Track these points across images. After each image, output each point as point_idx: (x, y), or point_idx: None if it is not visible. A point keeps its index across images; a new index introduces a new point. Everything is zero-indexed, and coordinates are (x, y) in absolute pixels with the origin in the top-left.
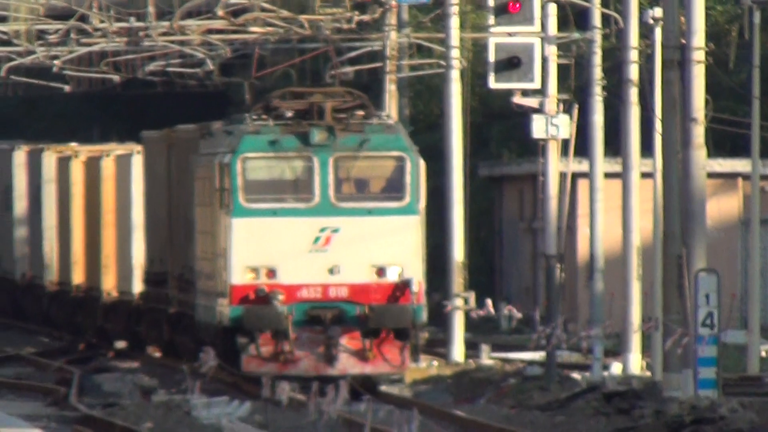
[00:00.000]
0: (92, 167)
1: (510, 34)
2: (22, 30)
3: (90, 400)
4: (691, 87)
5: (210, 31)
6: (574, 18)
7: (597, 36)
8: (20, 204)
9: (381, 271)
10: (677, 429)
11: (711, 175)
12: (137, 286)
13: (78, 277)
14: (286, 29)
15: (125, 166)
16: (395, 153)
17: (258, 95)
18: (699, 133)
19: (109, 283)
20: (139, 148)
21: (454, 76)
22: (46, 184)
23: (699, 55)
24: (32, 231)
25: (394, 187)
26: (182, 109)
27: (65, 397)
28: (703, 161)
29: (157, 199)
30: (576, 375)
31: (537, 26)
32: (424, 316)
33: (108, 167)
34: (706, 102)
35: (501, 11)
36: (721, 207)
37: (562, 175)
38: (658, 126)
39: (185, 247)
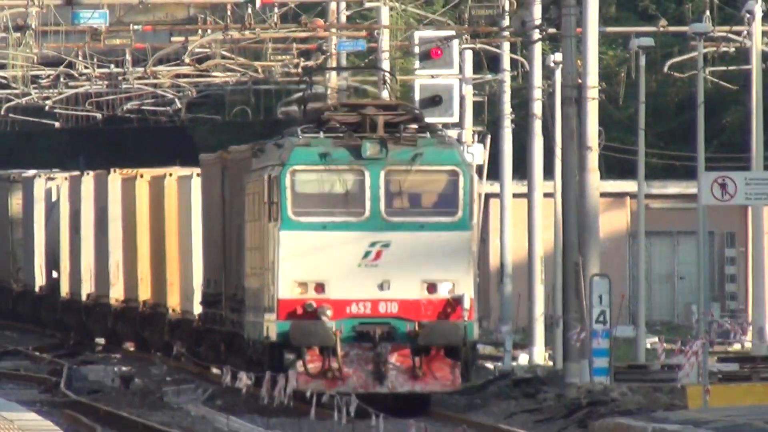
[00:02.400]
0: (156, 188)
1: (433, 76)
2: (18, 75)
3: (78, 387)
4: (587, 120)
5: (178, 76)
6: (487, 62)
7: (507, 77)
8: (87, 226)
9: (432, 287)
10: (575, 410)
11: (603, 195)
12: (197, 307)
13: (144, 293)
14: (243, 73)
15: (186, 188)
16: (448, 167)
17: (215, 130)
18: (593, 159)
19: (173, 301)
20: (199, 170)
21: None
22: (111, 205)
23: (593, 93)
24: (98, 251)
25: (446, 202)
26: (154, 141)
27: (56, 386)
28: (596, 183)
29: (213, 221)
30: (489, 365)
31: (456, 69)
32: (475, 333)
33: (171, 188)
34: (600, 133)
35: (425, 57)
36: (611, 221)
37: (478, 196)
38: (558, 153)
39: (237, 267)
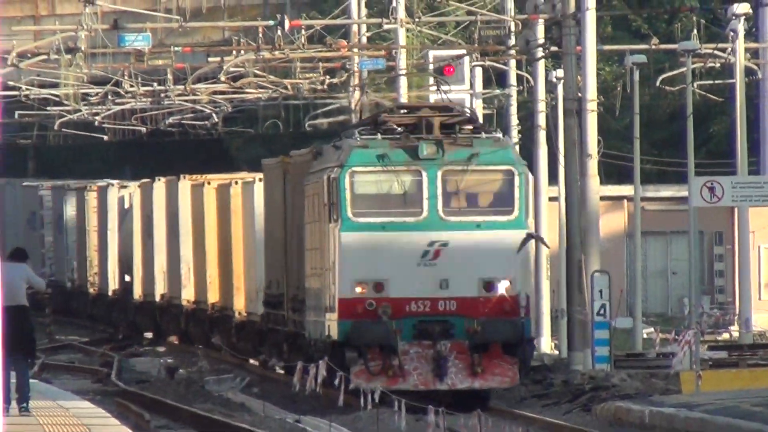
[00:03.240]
0: (223, 194)
1: (446, 92)
2: (70, 93)
3: (127, 377)
4: (587, 130)
5: (215, 92)
6: (495, 78)
7: (513, 92)
8: (159, 230)
9: (489, 285)
10: (579, 395)
11: (603, 198)
12: (260, 308)
13: (213, 296)
14: (274, 90)
15: (249, 193)
16: (504, 167)
17: (248, 142)
18: (593, 165)
19: (239, 304)
20: (261, 176)
21: None
22: (182, 211)
23: (592, 106)
24: (170, 254)
25: (502, 201)
26: (193, 152)
27: (108, 376)
28: (596, 187)
29: (275, 224)
30: None
31: (467, 85)
32: (532, 329)
33: (236, 194)
34: (599, 141)
35: (439, 73)
36: (610, 223)
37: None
38: (561, 160)
39: (298, 268)
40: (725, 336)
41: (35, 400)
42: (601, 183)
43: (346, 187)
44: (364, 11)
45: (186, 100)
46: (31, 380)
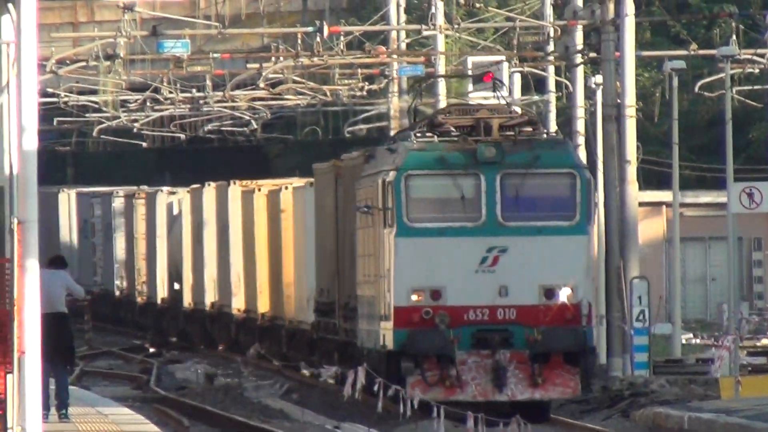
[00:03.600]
0: (273, 199)
1: (485, 98)
2: (109, 100)
3: (166, 384)
4: (625, 136)
5: (254, 99)
6: (534, 84)
7: (552, 98)
8: (209, 237)
9: (550, 293)
10: (618, 401)
11: (641, 204)
12: (311, 316)
13: (263, 305)
14: (313, 96)
15: (300, 199)
16: (565, 170)
17: (287, 148)
18: (632, 171)
19: (289, 312)
20: (312, 180)
21: None
22: (232, 217)
23: (631, 112)
24: (220, 261)
25: (564, 206)
26: (232, 159)
27: (147, 383)
28: (635, 194)
29: (326, 230)
30: None
31: (506, 91)
32: (594, 338)
33: (286, 200)
34: (637, 147)
35: (478, 80)
36: (649, 229)
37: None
38: (600, 167)
39: (350, 275)
40: (764, 342)
41: (74, 406)
42: (640, 189)
43: (401, 191)
44: (403, 17)
45: (225, 107)
46: (70, 387)
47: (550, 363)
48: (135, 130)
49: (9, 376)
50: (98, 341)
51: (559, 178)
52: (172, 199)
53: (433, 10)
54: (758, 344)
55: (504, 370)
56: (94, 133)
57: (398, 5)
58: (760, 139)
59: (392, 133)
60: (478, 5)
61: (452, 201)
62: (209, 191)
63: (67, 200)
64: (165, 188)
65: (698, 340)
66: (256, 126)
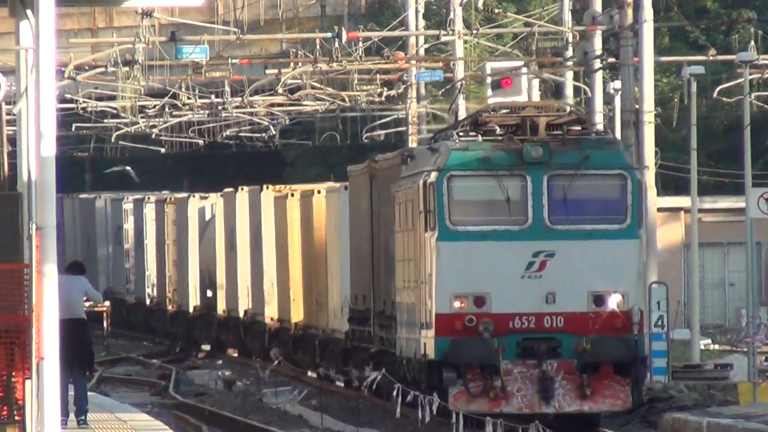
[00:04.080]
0: (306, 204)
1: (504, 103)
2: (127, 106)
3: (185, 390)
4: (644, 141)
5: (272, 105)
6: (553, 90)
7: (570, 103)
8: (242, 243)
9: (600, 300)
10: (638, 407)
11: (660, 210)
12: (345, 325)
13: (296, 314)
14: (331, 102)
15: (334, 203)
16: (616, 171)
17: (306, 154)
18: (650, 176)
19: (323, 321)
20: (347, 184)
21: None
22: (265, 223)
23: (649, 117)
24: (254, 268)
25: (614, 208)
26: (251, 164)
27: (165, 389)
28: (653, 199)
29: (361, 234)
30: None
31: (524, 96)
32: (646, 347)
33: (319, 203)
34: (656, 153)
35: (497, 86)
36: (668, 234)
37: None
38: None
39: (387, 281)
40: None
41: (93, 412)
42: (658, 194)
43: (444, 193)
44: (422, 23)
45: (243, 113)
46: (89, 393)
47: (600, 373)
48: (153, 136)
49: (28, 382)
50: (121, 347)
51: (609, 180)
52: (204, 204)
53: (451, 15)
54: None
55: (551, 380)
56: (113, 139)
57: (417, 11)
58: None
59: (410, 138)
60: (497, 11)
61: (497, 203)
62: (242, 196)
63: (104, 206)
64: (197, 194)
65: (717, 346)
66: (274, 132)
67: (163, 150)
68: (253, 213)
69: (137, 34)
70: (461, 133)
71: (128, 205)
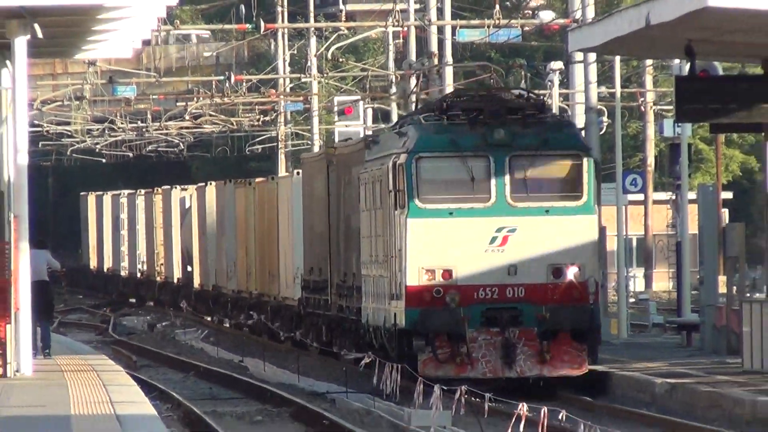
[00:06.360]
0: (261, 192)
1: (347, 126)
2: (78, 129)
3: (119, 331)
4: None
5: (181, 128)
6: (381, 116)
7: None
8: (210, 228)
9: (558, 272)
10: None
11: None
12: (298, 293)
13: (252, 285)
14: (224, 125)
15: (286, 188)
16: (573, 152)
17: (205, 163)
18: None
19: (274, 290)
20: (298, 171)
21: (316, 149)
22: (227, 211)
23: None
24: (218, 249)
25: (571, 186)
26: (166, 171)
27: (105, 330)
28: None
29: (316, 214)
30: None
31: (361, 121)
32: (600, 316)
33: (272, 191)
34: None
35: (342, 113)
36: None
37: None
38: None
39: (347, 256)
40: None
41: (54, 348)
42: None
43: (413, 173)
44: (288, 69)
45: (160, 133)
46: (51, 333)
47: (558, 340)
48: (97, 150)
49: (8, 326)
50: (78, 301)
51: (567, 160)
52: (184, 194)
53: (309, 63)
54: None
55: (513, 347)
56: (68, 153)
57: (284, 60)
58: None
59: (280, 151)
60: (341, 60)
61: (462, 182)
62: (210, 189)
63: (109, 202)
64: (178, 186)
65: None
66: (183, 147)
67: (104, 160)
68: (219, 203)
69: (85, 77)
70: (428, 118)
71: (123, 199)
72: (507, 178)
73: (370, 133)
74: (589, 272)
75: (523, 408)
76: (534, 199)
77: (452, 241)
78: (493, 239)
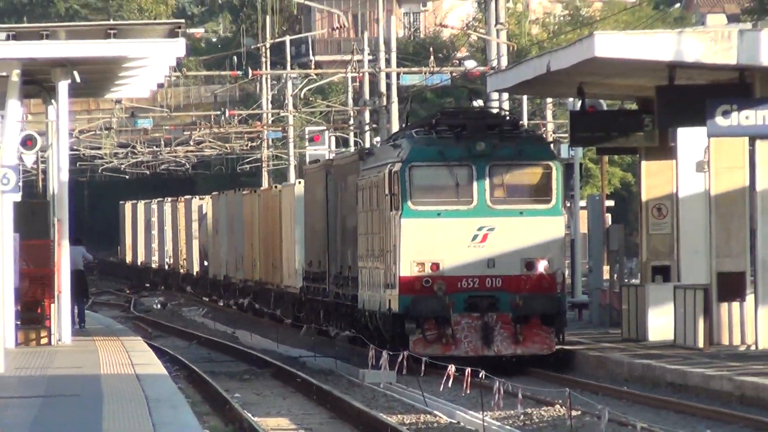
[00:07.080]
0: (266, 199)
1: (315, 150)
2: (107, 152)
3: (139, 309)
4: None
5: (188, 151)
6: (342, 142)
7: (352, 150)
8: (222, 229)
9: (530, 265)
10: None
11: None
12: (300, 282)
13: (256, 275)
14: (220, 149)
15: (289, 195)
16: (544, 162)
17: (206, 179)
18: None
19: (277, 279)
20: (300, 180)
21: (291, 170)
22: (237, 214)
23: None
24: (229, 246)
25: (542, 192)
26: (175, 185)
27: (128, 308)
28: None
29: (316, 216)
30: None
31: (327, 146)
32: (566, 303)
33: (275, 198)
34: None
35: (312, 140)
36: None
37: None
38: None
39: (344, 250)
40: None
41: (88, 322)
42: None
43: (406, 180)
44: (270, 105)
45: (171, 156)
46: (85, 311)
47: (530, 324)
48: (122, 169)
49: (52, 305)
50: (108, 285)
51: (538, 169)
52: (202, 202)
53: (286, 101)
54: None
55: (491, 329)
56: (99, 171)
57: (267, 99)
58: None
59: (263, 170)
60: (311, 98)
61: (449, 187)
62: (223, 197)
63: (142, 208)
64: (197, 196)
65: None
66: (188, 166)
67: (127, 177)
68: (230, 208)
69: (113, 112)
70: (419, 132)
71: (154, 206)
72: (487, 183)
73: (332, 156)
74: (556, 265)
75: (451, 369)
76: (510, 202)
77: (440, 238)
78: (475, 237)
